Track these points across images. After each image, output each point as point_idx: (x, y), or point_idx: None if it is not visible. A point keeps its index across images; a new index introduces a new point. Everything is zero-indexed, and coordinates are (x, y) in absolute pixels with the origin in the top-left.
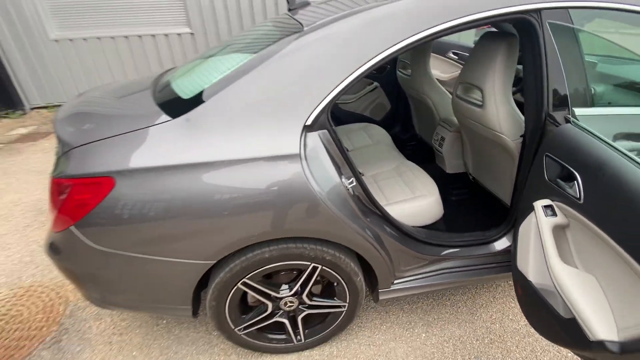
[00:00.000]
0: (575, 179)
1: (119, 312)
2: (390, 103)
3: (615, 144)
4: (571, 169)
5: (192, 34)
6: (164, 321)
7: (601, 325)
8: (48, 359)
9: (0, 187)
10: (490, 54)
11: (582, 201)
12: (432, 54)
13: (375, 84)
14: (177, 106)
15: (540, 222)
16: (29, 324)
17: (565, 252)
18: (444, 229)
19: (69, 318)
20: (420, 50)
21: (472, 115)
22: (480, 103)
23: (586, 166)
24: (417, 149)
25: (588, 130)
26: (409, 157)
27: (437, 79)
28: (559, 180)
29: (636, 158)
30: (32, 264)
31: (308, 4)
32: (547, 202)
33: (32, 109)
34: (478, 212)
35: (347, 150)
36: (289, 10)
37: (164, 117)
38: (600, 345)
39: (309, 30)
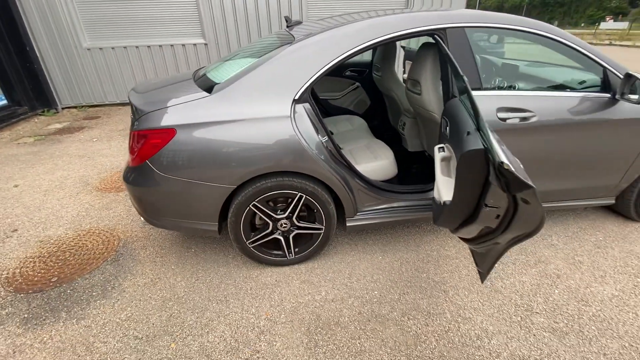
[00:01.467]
0: (448, 125)
1: (161, 237)
2: (370, 100)
3: (465, 106)
4: (447, 119)
5: (205, 44)
6: (193, 249)
7: (446, 196)
8: (111, 270)
9: (49, 167)
10: (424, 57)
11: (449, 137)
12: (407, 61)
13: (357, 84)
14: (213, 87)
15: (435, 158)
16: (94, 251)
17: (450, 172)
18: (397, 183)
19: (123, 248)
20: (387, 56)
21: (416, 101)
22: (419, 92)
23: (451, 117)
24: (391, 135)
25: (461, 101)
26: (385, 142)
27: (402, 78)
28: (444, 130)
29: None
30: (88, 217)
31: (300, 22)
32: (440, 145)
33: (64, 108)
34: (425, 175)
35: (332, 133)
36: (287, 27)
37: (205, 94)
38: (444, 204)
39: (297, 41)
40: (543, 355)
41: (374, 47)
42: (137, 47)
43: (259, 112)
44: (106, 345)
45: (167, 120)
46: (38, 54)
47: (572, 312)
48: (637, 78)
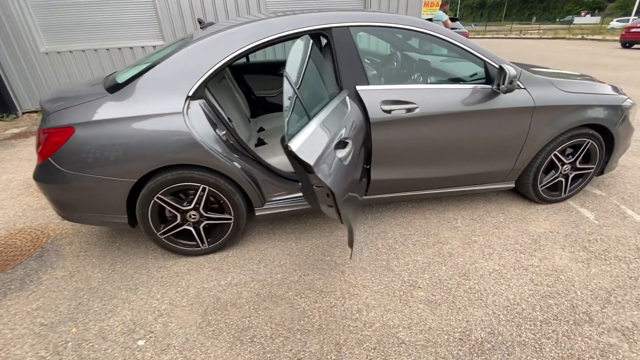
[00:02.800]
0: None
1: (90, 233)
2: None
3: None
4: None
5: None
6: (117, 243)
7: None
8: (34, 265)
9: None
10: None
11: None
12: None
13: None
14: (115, 88)
15: None
16: (21, 248)
17: None
18: None
19: (50, 244)
20: None
21: None
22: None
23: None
24: None
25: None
26: None
27: None
28: None
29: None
30: (23, 217)
31: (213, 24)
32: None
33: (24, 113)
34: None
35: (263, 130)
36: (201, 28)
37: (106, 94)
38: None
39: (193, 41)
40: (412, 324)
41: (262, 47)
42: (95, 50)
43: (153, 109)
44: (12, 332)
45: (66, 119)
46: None
47: (451, 286)
48: (506, 71)
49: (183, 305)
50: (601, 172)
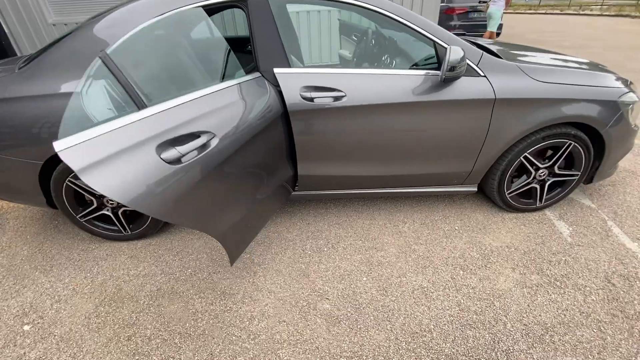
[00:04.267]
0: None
1: (32, 211)
2: None
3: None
4: None
5: None
6: (56, 222)
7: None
8: None
9: None
10: None
11: None
12: (342, 35)
13: None
14: (25, 63)
15: None
16: None
17: None
18: None
19: None
20: None
21: None
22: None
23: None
24: None
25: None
26: None
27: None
28: None
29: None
30: None
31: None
32: None
33: None
34: None
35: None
36: None
37: (12, 71)
38: None
39: (103, 17)
40: (300, 341)
41: (165, 23)
42: None
43: (54, 88)
44: None
45: None
46: (7, 30)
47: (362, 301)
48: (448, 53)
49: (84, 293)
50: (590, 180)
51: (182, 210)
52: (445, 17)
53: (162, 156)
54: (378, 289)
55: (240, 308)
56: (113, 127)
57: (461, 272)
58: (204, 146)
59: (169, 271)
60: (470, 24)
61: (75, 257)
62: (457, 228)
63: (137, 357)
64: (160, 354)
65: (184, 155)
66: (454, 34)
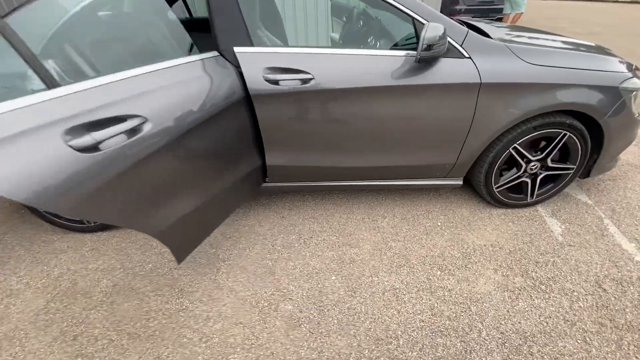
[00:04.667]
0: None
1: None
2: None
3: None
4: None
5: None
6: (23, 211)
7: None
8: None
9: None
10: None
11: None
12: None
13: None
14: None
15: None
16: None
17: None
18: None
19: None
20: None
21: None
22: None
23: None
24: None
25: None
26: None
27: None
28: None
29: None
30: None
31: None
32: None
33: None
34: None
35: None
36: None
37: None
38: None
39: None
40: (254, 346)
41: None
42: None
43: None
44: None
45: None
46: None
47: (328, 302)
48: (424, 31)
49: (37, 287)
50: (587, 174)
51: (103, 206)
52: (450, 0)
53: (71, 143)
54: (346, 290)
55: (197, 307)
56: (9, 108)
57: (438, 272)
58: (132, 132)
59: (129, 266)
60: (479, 8)
61: (36, 249)
62: (439, 224)
63: (78, 359)
64: (104, 356)
65: (101, 142)
66: (459, 19)
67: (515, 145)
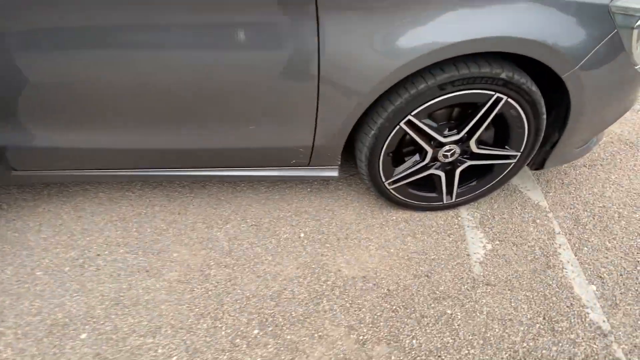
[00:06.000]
0: None
1: None
2: None
3: None
4: None
5: None
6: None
7: None
8: None
9: None
10: None
11: None
12: None
13: None
14: None
15: None
16: None
17: None
18: None
19: None
20: None
21: None
22: None
23: None
24: None
25: None
26: None
27: None
28: None
29: None
30: None
31: None
32: None
33: None
34: None
35: None
36: None
37: None
38: None
39: None
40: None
41: None
42: None
43: None
44: None
45: None
46: None
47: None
48: None
49: None
50: (541, 165)
51: None
52: None
53: None
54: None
55: None
56: None
57: (244, 345)
58: None
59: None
60: None
61: None
62: (302, 235)
63: None
64: None
65: None
66: None
67: (409, 117)
